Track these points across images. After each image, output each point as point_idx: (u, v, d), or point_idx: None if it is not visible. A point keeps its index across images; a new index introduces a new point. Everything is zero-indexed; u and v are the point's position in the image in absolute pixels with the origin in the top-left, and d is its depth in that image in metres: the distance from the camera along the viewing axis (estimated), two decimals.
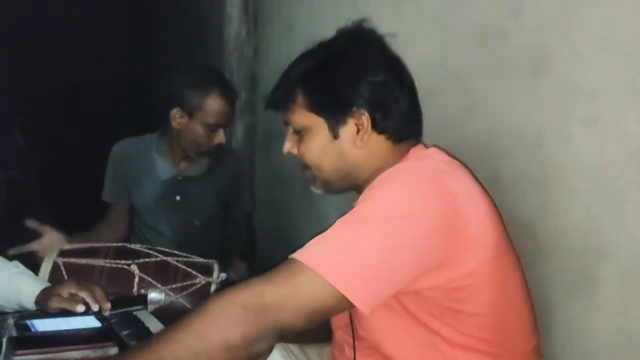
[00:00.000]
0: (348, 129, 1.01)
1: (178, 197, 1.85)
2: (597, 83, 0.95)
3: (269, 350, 0.87)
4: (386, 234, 0.86)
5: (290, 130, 1.07)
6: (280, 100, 1.06)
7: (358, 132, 1.01)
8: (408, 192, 0.89)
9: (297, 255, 0.86)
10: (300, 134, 1.04)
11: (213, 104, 1.71)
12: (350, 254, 0.85)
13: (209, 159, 1.83)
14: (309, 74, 1.03)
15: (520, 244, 1.07)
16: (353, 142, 1.01)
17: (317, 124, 1.02)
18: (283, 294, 0.82)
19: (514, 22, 1.11)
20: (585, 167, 0.97)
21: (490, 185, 1.11)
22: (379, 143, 1.02)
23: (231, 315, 0.81)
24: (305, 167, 1.06)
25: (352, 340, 1.02)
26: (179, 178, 1.85)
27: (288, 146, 1.08)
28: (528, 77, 1.08)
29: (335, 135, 1.02)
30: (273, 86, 1.07)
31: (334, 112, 1.01)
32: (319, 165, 1.04)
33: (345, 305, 0.84)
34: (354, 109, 1.00)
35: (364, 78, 1.01)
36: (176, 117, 1.74)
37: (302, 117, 1.03)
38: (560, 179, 1.02)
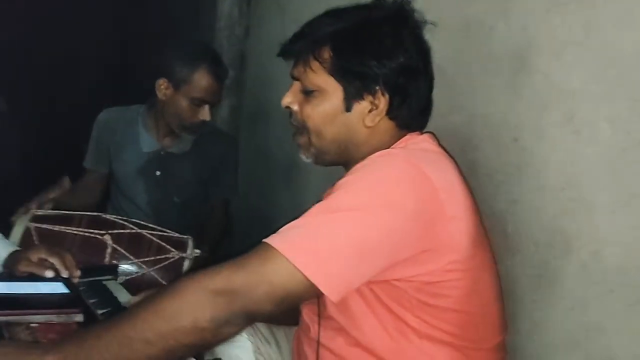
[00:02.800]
0: (362, 105, 0.97)
1: (158, 172, 1.85)
2: (574, 84, 0.96)
3: (238, 333, 0.86)
4: (360, 224, 0.85)
5: (297, 86, 1.01)
6: (303, 51, 0.99)
7: (370, 111, 0.97)
8: (387, 183, 0.88)
9: (270, 240, 0.85)
10: (310, 94, 0.99)
11: (200, 78, 1.69)
12: (323, 242, 0.84)
13: (193, 135, 1.82)
14: (342, 36, 0.97)
15: (491, 237, 1.08)
16: (362, 119, 0.98)
17: (334, 90, 0.97)
18: (253, 280, 0.82)
19: (500, 19, 1.11)
20: (556, 165, 0.99)
21: (467, 178, 1.12)
22: (385, 126, 0.99)
23: (200, 299, 0.80)
24: (302, 130, 1.01)
25: (317, 319, 1.03)
26: (162, 153, 1.84)
27: (288, 100, 1.01)
28: (509, 73, 1.09)
29: (348, 108, 0.98)
30: (293, 34, 1.00)
31: (356, 84, 0.97)
32: (320, 132, 0.99)
33: (314, 292, 0.84)
34: (377, 87, 0.96)
35: (397, 58, 0.96)
36: (162, 87, 1.73)
37: (320, 77, 0.98)
38: (532, 175, 1.03)
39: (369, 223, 0.85)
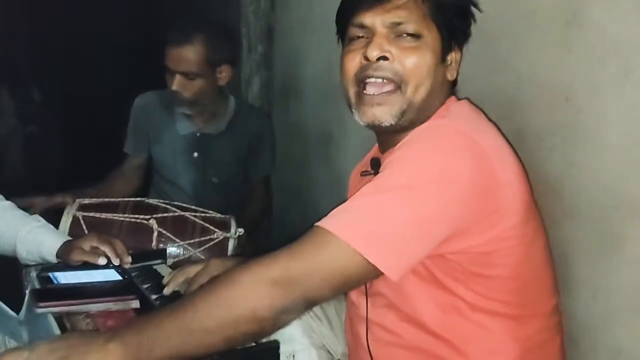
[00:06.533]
0: (449, 58, 0.98)
1: (196, 154, 1.85)
2: (631, 35, 0.90)
3: (296, 319, 0.86)
4: (416, 200, 0.83)
5: (384, 33, 0.93)
6: None
7: (449, 65, 0.99)
8: (439, 156, 0.85)
9: (325, 223, 0.83)
10: (411, 40, 0.93)
11: (167, 46, 1.69)
12: (380, 222, 0.82)
13: (180, 109, 1.78)
14: None
15: (545, 202, 1.05)
16: (446, 72, 0.98)
17: (433, 38, 0.95)
18: (311, 267, 0.80)
19: None
20: (615, 123, 0.93)
21: (515, 141, 1.07)
22: (448, 85, 1.00)
23: (259, 289, 0.79)
24: (394, 83, 0.93)
25: (365, 297, 1.01)
26: (198, 135, 1.84)
27: (386, 48, 0.92)
28: (559, 28, 1.03)
29: (443, 59, 0.96)
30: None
31: (450, 34, 0.96)
32: (421, 84, 0.93)
33: (375, 274, 0.83)
34: (462, 42, 1.00)
35: (472, 18, 1.01)
36: None
37: (423, 23, 0.94)
38: (588, 135, 0.98)
39: (424, 199, 0.83)
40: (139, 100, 1.89)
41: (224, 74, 1.77)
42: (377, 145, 1.10)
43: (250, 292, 0.79)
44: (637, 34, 0.89)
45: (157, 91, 1.88)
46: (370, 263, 0.80)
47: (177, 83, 1.69)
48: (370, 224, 0.82)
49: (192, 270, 1.14)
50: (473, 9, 1.03)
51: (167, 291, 1.10)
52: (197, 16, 2.92)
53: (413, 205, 0.83)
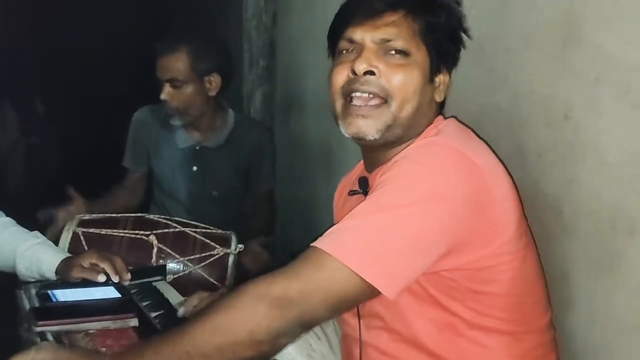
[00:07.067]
0: (437, 80, 0.98)
1: (195, 168, 1.86)
2: (630, 53, 0.90)
3: (294, 341, 0.85)
4: (412, 219, 0.83)
5: (373, 48, 0.94)
6: (399, 12, 0.94)
7: (438, 87, 0.99)
8: (433, 174, 0.86)
9: (321, 244, 0.83)
10: (399, 58, 0.94)
11: (157, 58, 1.72)
12: (376, 241, 0.82)
13: (175, 120, 1.79)
14: (435, 8, 0.97)
15: (544, 219, 1.05)
16: (434, 94, 0.99)
17: (422, 58, 0.95)
18: (309, 288, 0.80)
19: None
20: (614, 141, 0.93)
21: (514, 158, 1.08)
22: (436, 107, 1.01)
23: (256, 312, 0.79)
24: (379, 98, 0.93)
25: (357, 317, 1.00)
26: (197, 148, 1.85)
27: (374, 63, 0.92)
28: (556, 46, 1.03)
29: (432, 79, 0.97)
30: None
31: (439, 56, 0.97)
32: (407, 101, 0.93)
33: (372, 294, 0.83)
34: (451, 66, 1.00)
35: (463, 43, 1.02)
36: None
37: (412, 41, 0.94)
38: (588, 152, 0.98)
39: (420, 217, 0.83)
40: (137, 114, 1.90)
41: (213, 84, 1.77)
42: (362, 162, 1.09)
43: (247, 315, 0.79)
44: (634, 52, 0.90)
45: (155, 105, 1.89)
46: (366, 282, 0.81)
47: (165, 92, 1.71)
48: (366, 243, 0.82)
49: (209, 296, 1.13)
50: (463, 35, 1.03)
51: (181, 313, 1.10)
52: (196, 31, 2.94)
53: (408, 223, 0.83)
